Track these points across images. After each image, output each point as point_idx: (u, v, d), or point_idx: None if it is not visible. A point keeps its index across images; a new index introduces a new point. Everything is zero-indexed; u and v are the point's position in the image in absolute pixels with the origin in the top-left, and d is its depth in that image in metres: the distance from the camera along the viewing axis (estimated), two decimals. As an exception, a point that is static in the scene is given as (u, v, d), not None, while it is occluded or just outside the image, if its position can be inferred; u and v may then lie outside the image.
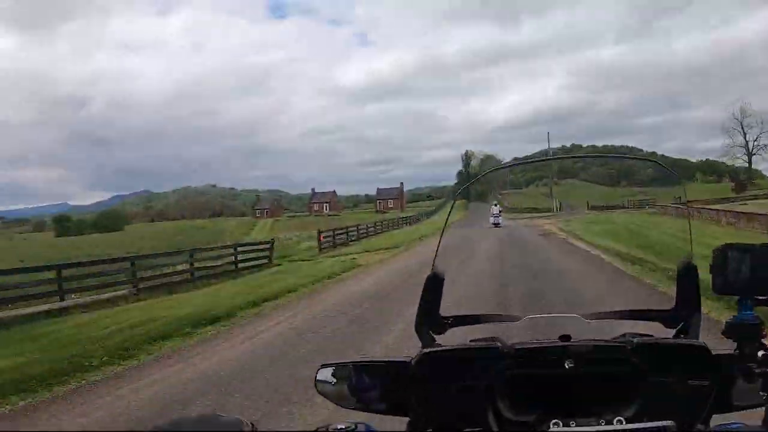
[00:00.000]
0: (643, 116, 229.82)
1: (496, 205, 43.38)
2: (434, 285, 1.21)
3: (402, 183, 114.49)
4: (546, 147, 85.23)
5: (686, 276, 1.15)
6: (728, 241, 1.05)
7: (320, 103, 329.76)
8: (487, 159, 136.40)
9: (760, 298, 1.02)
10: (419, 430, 1.04)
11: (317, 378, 1.16)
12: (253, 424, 0.79)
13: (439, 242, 1.47)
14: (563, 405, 1.02)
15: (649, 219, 32.94)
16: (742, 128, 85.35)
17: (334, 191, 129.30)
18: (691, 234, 1.42)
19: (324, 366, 1.16)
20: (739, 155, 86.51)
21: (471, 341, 1.12)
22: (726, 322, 1.04)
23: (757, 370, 0.95)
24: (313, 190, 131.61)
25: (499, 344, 1.06)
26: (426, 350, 1.08)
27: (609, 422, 0.97)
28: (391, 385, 1.10)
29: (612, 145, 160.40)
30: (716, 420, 1.05)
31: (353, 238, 33.34)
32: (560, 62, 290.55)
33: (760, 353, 0.96)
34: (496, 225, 38.63)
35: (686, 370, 1.01)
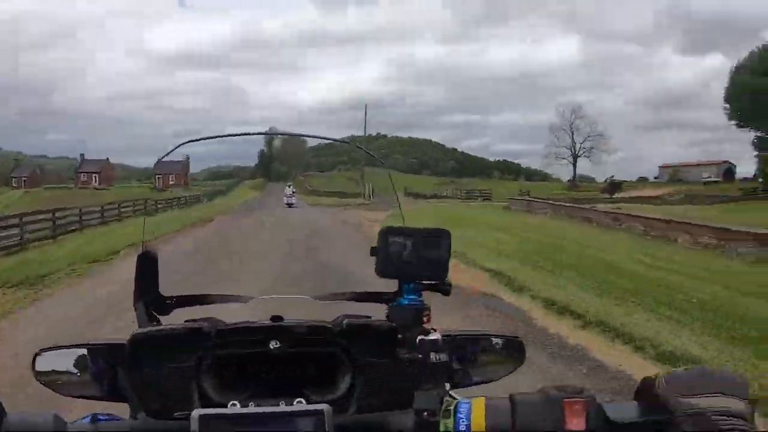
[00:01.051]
0: (449, 114, 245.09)
1: (290, 186, 46.48)
2: (147, 263, 1.18)
3: (187, 156, 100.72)
4: (355, 133, 79.53)
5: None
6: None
7: (129, 65, 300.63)
8: (290, 139, 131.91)
9: (426, 282, 1.05)
10: (136, 415, 1.02)
11: (36, 366, 1.06)
12: None
13: (143, 224, 1.40)
14: (269, 385, 1.04)
15: (549, 225, 22.80)
16: (571, 129, 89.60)
17: (107, 159, 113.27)
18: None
19: (42, 351, 1.07)
20: (565, 156, 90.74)
21: (186, 321, 1.08)
22: (388, 306, 1.07)
23: (405, 356, 0.98)
24: (82, 156, 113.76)
25: (206, 324, 1.04)
26: (136, 332, 1.05)
27: (289, 403, 0.97)
28: (111, 370, 1.06)
29: (417, 138, 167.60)
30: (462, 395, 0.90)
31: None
32: (379, 53, 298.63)
33: (418, 338, 0.98)
34: (290, 205, 41.09)
35: (391, 352, 1.02)
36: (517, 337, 1.18)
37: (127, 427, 0.97)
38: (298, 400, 0.99)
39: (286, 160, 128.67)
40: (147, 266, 1.20)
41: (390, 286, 1.15)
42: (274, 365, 1.06)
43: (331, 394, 1.03)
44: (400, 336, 1.02)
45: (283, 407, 0.93)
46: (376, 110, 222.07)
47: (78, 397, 1.09)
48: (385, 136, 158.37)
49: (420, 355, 0.96)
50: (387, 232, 1.05)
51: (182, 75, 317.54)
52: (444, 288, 1.08)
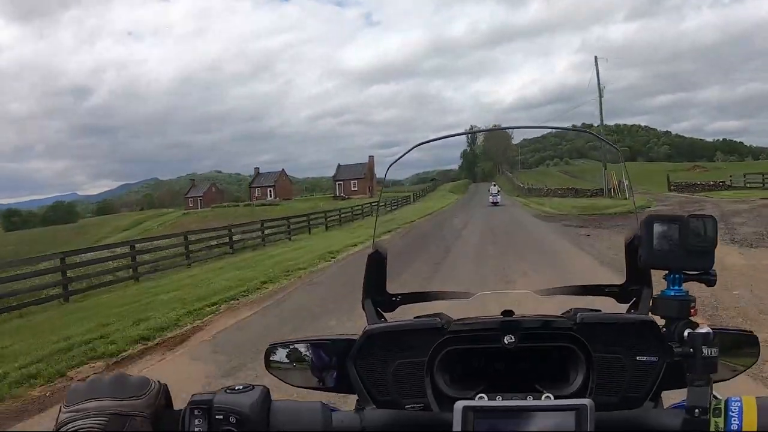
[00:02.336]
0: (653, 96, 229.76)
1: (494, 185, 46.58)
2: (376, 262, 1.22)
3: (371, 156, 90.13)
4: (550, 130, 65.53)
5: (635, 250, 1.09)
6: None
7: (326, 85, 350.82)
8: (493, 136, 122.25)
9: (691, 273, 1.00)
10: (365, 406, 1.05)
11: (267, 358, 1.17)
12: (160, 382, 0.84)
13: (375, 224, 1.57)
14: (502, 381, 1.04)
15: None
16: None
17: (283, 171, 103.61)
18: None
19: (273, 345, 1.17)
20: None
21: (415, 318, 1.12)
22: (653, 298, 1.05)
23: (677, 349, 0.93)
24: (256, 170, 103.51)
25: (438, 320, 1.07)
26: (368, 327, 1.11)
27: (537, 398, 0.96)
28: (340, 363, 1.12)
29: (624, 125, 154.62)
30: (670, 397, 1.06)
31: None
32: (568, 41, 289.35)
33: (685, 332, 0.93)
34: (495, 204, 41.10)
35: (633, 346, 1.02)
36: (751, 331, 1.09)
37: (391, 417, 0.96)
38: (546, 395, 0.96)
39: (492, 158, 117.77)
40: (376, 265, 1.22)
41: (614, 278, 1.15)
42: (505, 360, 1.06)
43: (564, 389, 1.00)
44: (664, 329, 0.99)
45: (544, 401, 0.91)
46: (573, 102, 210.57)
47: (306, 387, 1.15)
48: (591, 125, 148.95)
49: (690, 350, 0.89)
50: (650, 220, 1.00)
51: (377, 89, 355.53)
52: (709, 278, 1.01)
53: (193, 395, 0.85)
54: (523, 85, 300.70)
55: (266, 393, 0.87)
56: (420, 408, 1.01)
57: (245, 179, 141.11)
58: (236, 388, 0.87)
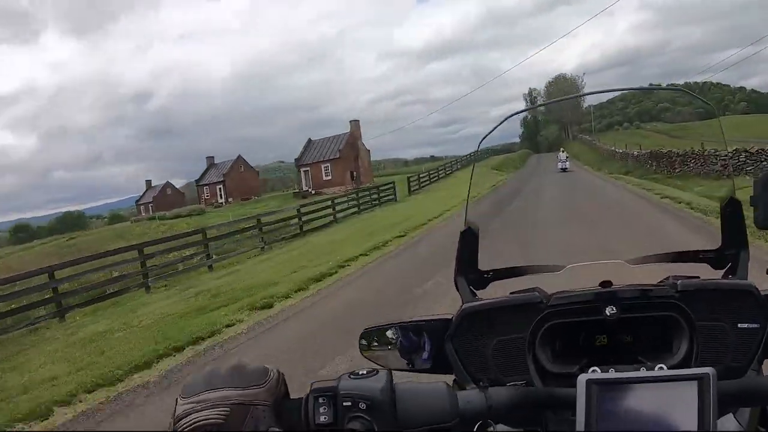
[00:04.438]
0: (719, 52, 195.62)
1: (563, 151, 45.09)
2: (469, 239, 1.22)
3: (355, 121, 59.12)
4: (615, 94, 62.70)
5: (731, 213, 1.12)
6: None
7: (383, 68, 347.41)
8: (556, 82, 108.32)
9: None
10: (463, 386, 1.06)
11: (361, 342, 1.21)
12: (279, 370, 0.84)
13: (467, 199, 1.53)
14: (605, 353, 1.03)
15: None
16: None
17: (239, 158, 74.28)
18: None
19: (367, 330, 1.20)
20: None
21: (511, 293, 1.12)
22: None
23: None
24: (209, 160, 76.03)
25: (537, 294, 1.07)
26: (466, 305, 1.11)
27: (650, 369, 0.93)
28: (435, 343, 1.13)
29: (695, 82, 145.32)
30: None
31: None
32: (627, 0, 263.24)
33: None
34: (564, 170, 39.85)
35: (734, 313, 1.00)
36: None
37: (516, 394, 0.91)
38: (658, 366, 0.93)
39: (558, 121, 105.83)
40: (469, 242, 1.21)
41: (707, 244, 1.14)
42: (606, 332, 1.04)
43: (668, 360, 0.98)
44: (765, 294, 0.99)
45: (666, 371, 0.86)
46: (633, 66, 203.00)
47: (401, 370, 1.14)
48: (659, 84, 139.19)
49: None
50: (765, 179, 0.99)
51: (435, 66, 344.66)
52: None
53: (312, 383, 0.83)
54: (582, 50, 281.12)
55: (391, 376, 0.83)
56: (523, 385, 0.97)
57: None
58: (360, 373, 0.84)
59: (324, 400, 0.79)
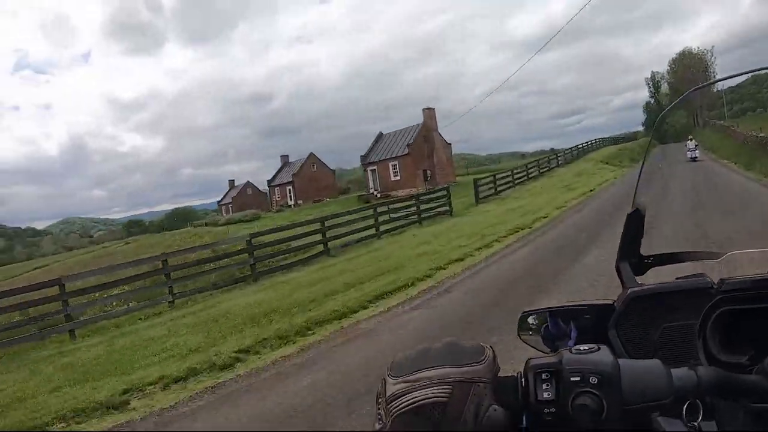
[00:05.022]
0: None
1: (691, 139, 39.84)
2: (635, 222, 1.20)
3: (429, 110, 49.13)
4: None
5: None
6: None
7: (497, 59, 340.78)
8: (681, 59, 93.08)
9: None
10: (691, 363, 0.99)
11: (520, 326, 1.21)
12: (492, 348, 0.83)
13: (639, 176, 1.43)
14: None
15: None
16: None
17: (311, 156, 66.84)
18: None
19: (525, 313, 1.20)
20: None
21: (678, 278, 1.10)
22: None
23: None
24: (283, 159, 70.02)
25: (708, 279, 1.05)
26: (633, 290, 1.08)
27: None
28: (594, 329, 1.11)
29: None
30: None
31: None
32: None
33: None
34: (694, 159, 35.83)
35: None
36: None
37: (723, 376, 0.85)
38: None
39: (687, 106, 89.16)
40: (635, 225, 1.19)
41: None
42: None
43: None
44: None
45: None
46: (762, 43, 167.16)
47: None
48: None
49: None
50: None
51: (550, 56, 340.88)
52: None
53: (529, 359, 0.81)
54: (706, 29, 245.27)
55: (614, 352, 0.81)
56: None
57: None
58: (582, 348, 0.81)
59: (547, 376, 0.76)
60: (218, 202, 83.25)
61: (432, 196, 24.87)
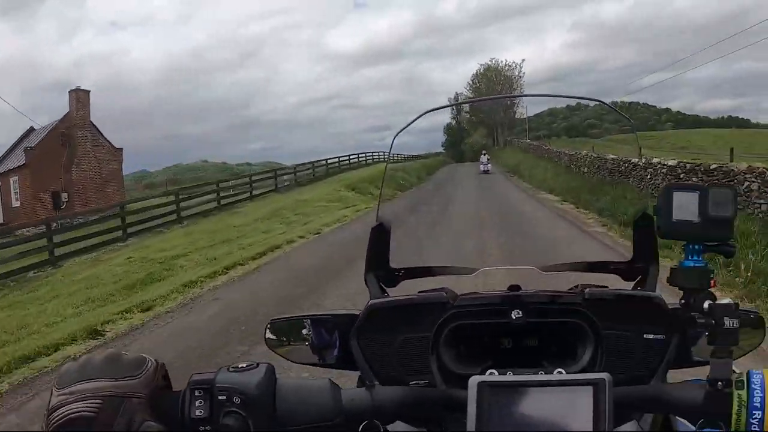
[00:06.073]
0: (646, 74, 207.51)
1: (484, 153, 44.67)
2: (380, 236, 1.20)
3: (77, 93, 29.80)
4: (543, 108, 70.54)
5: (642, 226, 1.14)
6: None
7: (314, 70, 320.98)
8: (485, 73, 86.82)
9: (710, 244, 0.97)
10: (367, 383, 0.98)
11: (267, 334, 1.17)
12: (157, 361, 0.80)
13: (380, 195, 1.55)
14: (508, 357, 1.04)
15: None
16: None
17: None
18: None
19: (274, 321, 1.18)
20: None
21: (419, 292, 1.11)
22: (671, 269, 0.99)
23: (700, 321, 0.90)
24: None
25: (444, 294, 1.06)
26: (372, 302, 1.09)
27: (549, 373, 0.95)
28: (341, 339, 1.12)
29: (623, 102, 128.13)
30: (676, 376, 1.05)
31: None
32: (561, 20, 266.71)
33: (706, 303, 0.90)
34: (486, 172, 38.79)
35: (640, 323, 1.01)
36: (757, 311, 1.07)
37: (402, 394, 0.88)
38: (557, 370, 0.95)
39: (487, 124, 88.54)
40: (380, 238, 1.20)
41: (620, 255, 1.59)
42: (512, 336, 1.05)
43: (572, 366, 0.99)
44: (683, 301, 0.96)
45: (562, 375, 0.90)
46: (562, 83, 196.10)
47: (306, 364, 1.13)
48: (587, 106, 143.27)
49: (713, 321, 0.87)
50: (670, 190, 0.97)
51: (366, 72, 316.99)
52: (728, 249, 0.98)
53: (192, 375, 0.78)
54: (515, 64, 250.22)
55: (272, 371, 0.80)
56: (425, 384, 0.97)
57: (229, 168, 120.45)
58: (239, 366, 0.80)
59: (200, 393, 0.75)
60: None
61: None
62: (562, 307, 1.01)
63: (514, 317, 0.99)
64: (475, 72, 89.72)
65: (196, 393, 0.74)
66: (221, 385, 0.74)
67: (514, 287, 1.04)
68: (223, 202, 22.49)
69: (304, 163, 33.46)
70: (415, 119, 1.22)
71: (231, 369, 0.78)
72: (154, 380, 0.74)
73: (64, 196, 28.07)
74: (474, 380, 0.79)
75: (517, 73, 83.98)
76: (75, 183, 28.83)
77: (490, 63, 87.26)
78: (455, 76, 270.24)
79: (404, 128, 1.28)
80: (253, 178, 25.12)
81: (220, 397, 0.73)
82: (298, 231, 14.69)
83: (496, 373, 0.92)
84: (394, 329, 1.04)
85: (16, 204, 29.18)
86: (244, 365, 0.79)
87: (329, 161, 36.22)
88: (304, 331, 1.12)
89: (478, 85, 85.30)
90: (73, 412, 0.68)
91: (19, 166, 28.61)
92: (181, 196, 20.86)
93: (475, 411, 0.77)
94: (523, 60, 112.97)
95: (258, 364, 0.79)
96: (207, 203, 22.15)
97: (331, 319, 1.11)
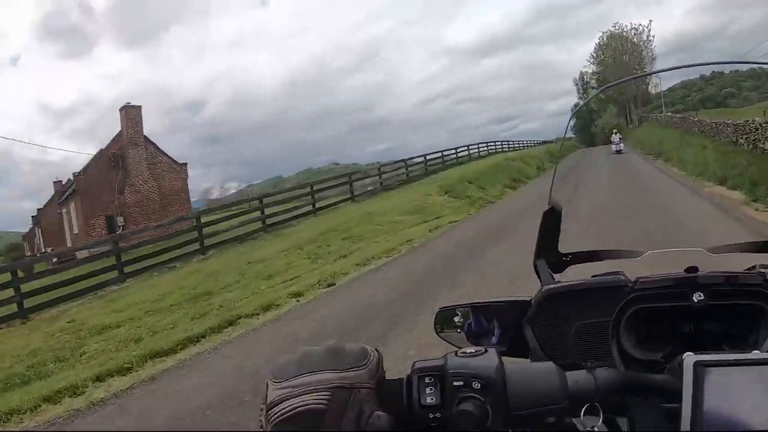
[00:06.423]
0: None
1: (616, 133, 42.32)
2: (551, 220, 1.20)
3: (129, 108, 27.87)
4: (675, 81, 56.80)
5: None
6: None
7: (433, 66, 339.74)
8: (608, 43, 75.04)
9: None
10: (589, 365, 0.96)
11: (436, 321, 1.19)
12: (378, 351, 0.80)
13: (554, 175, 1.44)
14: (689, 341, 1.01)
15: None
16: None
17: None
18: None
19: (443, 309, 1.19)
20: None
21: (593, 276, 1.11)
22: None
23: None
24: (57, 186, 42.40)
25: (623, 277, 1.06)
26: (548, 287, 1.09)
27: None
28: (512, 325, 1.12)
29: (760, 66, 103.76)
30: None
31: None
32: None
33: None
34: (618, 152, 37.61)
35: None
36: None
37: (623, 377, 0.85)
38: (754, 351, 0.88)
39: (621, 102, 78.20)
40: (551, 222, 1.19)
41: None
42: (691, 319, 1.02)
43: (753, 348, 0.94)
44: None
45: (754, 356, 0.82)
46: (688, 53, 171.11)
47: None
48: (721, 73, 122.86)
49: None
50: None
51: (486, 62, 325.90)
52: None
53: (414, 362, 0.78)
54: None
55: (500, 355, 0.80)
56: None
57: (359, 167, 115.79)
58: (468, 351, 0.79)
59: (430, 379, 0.74)
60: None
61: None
62: (742, 289, 0.97)
63: (695, 300, 0.96)
64: (597, 43, 79.26)
65: (426, 380, 0.73)
66: (456, 370, 0.72)
67: (692, 269, 1.00)
68: (268, 222, 18.06)
69: (400, 160, 27.99)
70: (590, 99, 1.87)
71: (460, 354, 0.76)
72: (378, 370, 0.74)
73: (119, 219, 26.12)
74: (690, 359, 0.74)
75: (645, 38, 72.17)
76: (130, 205, 26.81)
77: (613, 29, 75.70)
78: (577, 56, 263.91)
79: (579, 108, 1.75)
80: (315, 187, 20.57)
81: (455, 383, 0.72)
82: (306, 281, 9.81)
83: (693, 355, 0.79)
84: (570, 314, 1.03)
85: (76, 231, 27.94)
86: (473, 350, 0.77)
87: (445, 153, 31.53)
88: (474, 318, 1.11)
89: (603, 57, 74.78)
90: (300, 406, 0.67)
91: (71, 193, 27.39)
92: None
93: (691, 394, 0.72)
94: (651, 21, 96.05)
95: (486, 350, 0.77)
96: (250, 223, 17.79)
97: (502, 305, 1.10)
